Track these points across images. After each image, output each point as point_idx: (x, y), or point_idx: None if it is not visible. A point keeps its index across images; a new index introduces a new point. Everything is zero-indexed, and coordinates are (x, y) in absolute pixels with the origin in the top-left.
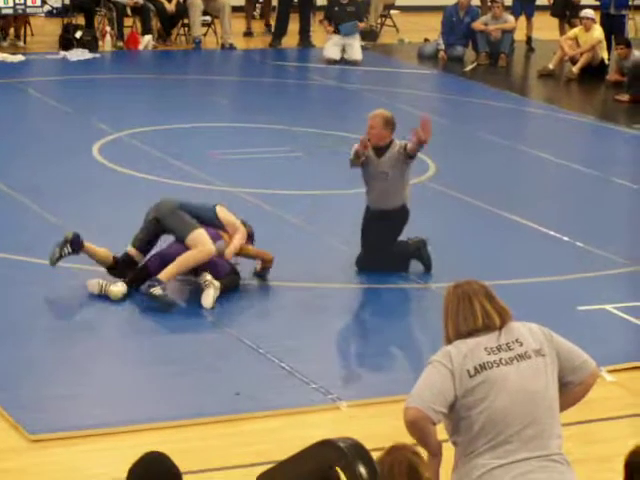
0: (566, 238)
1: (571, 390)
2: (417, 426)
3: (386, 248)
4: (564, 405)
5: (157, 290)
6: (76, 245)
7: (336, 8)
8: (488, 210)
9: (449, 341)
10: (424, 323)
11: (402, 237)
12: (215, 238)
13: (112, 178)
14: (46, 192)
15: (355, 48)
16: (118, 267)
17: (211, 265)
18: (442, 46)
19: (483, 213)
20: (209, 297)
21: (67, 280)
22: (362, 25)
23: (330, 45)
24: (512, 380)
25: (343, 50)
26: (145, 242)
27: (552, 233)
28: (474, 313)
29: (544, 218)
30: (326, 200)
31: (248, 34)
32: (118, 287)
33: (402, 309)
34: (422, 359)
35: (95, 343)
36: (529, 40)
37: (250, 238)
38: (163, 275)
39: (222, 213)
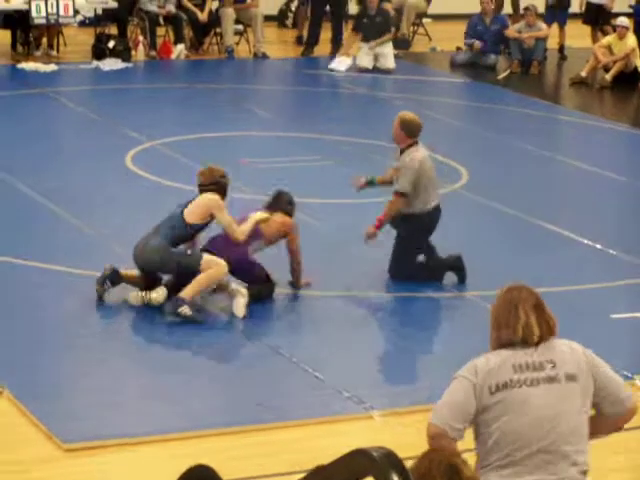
0: (599, 246)
1: (605, 421)
2: (436, 443)
3: (412, 255)
4: (596, 433)
5: (186, 310)
6: (114, 278)
7: (365, 20)
8: (520, 218)
9: (492, 347)
10: (456, 332)
11: (440, 252)
12: (254, 237)
13: (145, 186)
14: (79, 200)
15: (388, 57)
16: (150, 284)
17: (246, 271)
18: (473, 41)
19: (516, 221)
20: (240, 306)
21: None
22: (390, 35)
23: (362, 54)
24: (532, 403)
25: (376, 59)
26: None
27: (585, 241)
28: (516, 324)
29: (577, 226)
30: (358, 208)
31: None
32: (159, 293)
33: (434, 318)
34: (454, 368)
35: (127, 352)
36: (562, 48)
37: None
38: (185, 294)
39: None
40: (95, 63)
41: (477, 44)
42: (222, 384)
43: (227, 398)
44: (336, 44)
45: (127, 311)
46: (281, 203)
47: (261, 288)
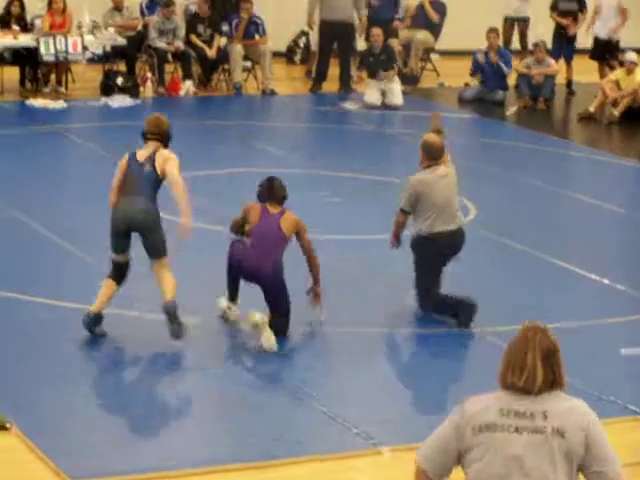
0: (606, 281)
1: None
2: None
3: (420, 278)
4: None
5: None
6: (97, 321)
7: (370, 59)
8: (529, 253)
9: (498, 382)
10: (467, 368)
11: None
12: (283, 241)
13: None
14: (89, 237)
15: (395, 93)
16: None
17: (279, 291)
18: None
19: (524, 256)
20: (270, 339)
21: (105, 325)
22: (393, 72)
23: (370, 90)
24: (512, 450)
25: (384, 95)
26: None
27: (594, 276)
28: (522, 368)
29: (585, 261)
30: (366, 244)
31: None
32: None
33: (444, 354)
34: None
35: (134, 387)
36: (569, 83)
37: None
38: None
39: None
40: (104, 100)
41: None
42: (233, 420)
43: (239, 434)
44: (344, 80)
45: (134, 346)
46: (276, 192)
47: (281, 322)
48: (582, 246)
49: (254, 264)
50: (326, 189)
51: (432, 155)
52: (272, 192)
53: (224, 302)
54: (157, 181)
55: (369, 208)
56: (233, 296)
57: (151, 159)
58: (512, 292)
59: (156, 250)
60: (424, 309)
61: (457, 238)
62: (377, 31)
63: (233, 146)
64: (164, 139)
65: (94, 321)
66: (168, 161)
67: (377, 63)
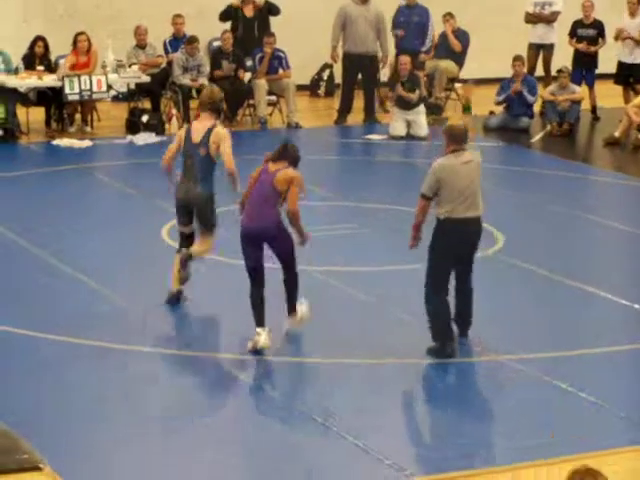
0: (637, 306)
1: None
2: None
3: (431, 264)
4: None
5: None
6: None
7: (396, 86)
8: (558, 281)
9: None
10: (493, 397)
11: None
12: (279, 198)
13: None
14: (116, 275)
15: (420, 124)
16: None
17: (285, 237)
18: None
19: (553, 284)
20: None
21: (135, 365)
22: (414, 95)
23: (395, 121)
24: None
25: (409, 125)
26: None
27: (623, 301)
28: None
29: (614, 287)
30: (394, 276)
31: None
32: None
33: (471, 383)
34: (493, 433)
35: (161, 424)
36: (594, 109)
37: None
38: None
39: None
40: (129, 137)
41: (515, 87)
42: (259, 456)
43: (264, 469)
44: (369, 112)
45: (145, 385)
46: (289, 152)
47: (292, 277)
48: (611, 271)
49: (256, 227)
50: (353, 221)
51: (455, 139)
52: (284, 153)
53: (262, 335)
54: (211, 164)
55: (397, 240)
56: (260, 321)
57: (205, 138)
58: (540, 319)
59: (205, 223)
60: (426, 304)
61: (476, 226)
62: (405, 59)
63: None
64: (217, 109)
65: (177, 298)
66: (223, 141)
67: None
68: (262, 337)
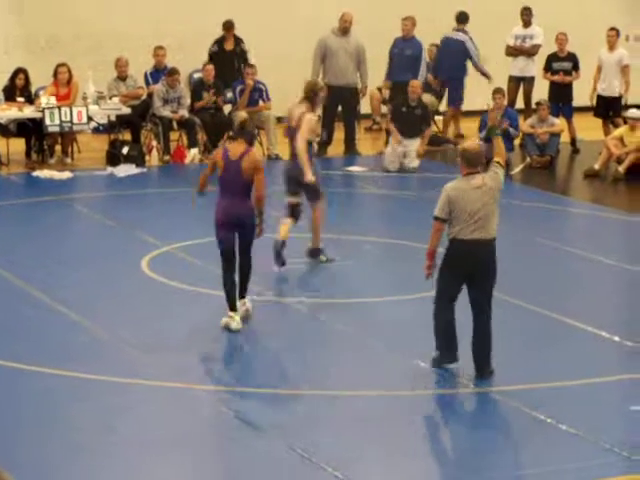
0: (617, 338)
1: None
2: None
3: (438, 281)
4: None
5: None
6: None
7: (403, 109)
8: (538, 312)
9: None
10: (477, 430)
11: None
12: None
13: (161, 291)
14: (95, 306)
15: (413, 154)
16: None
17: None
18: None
19: (533, 315)
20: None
21: (113, 396)
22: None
23: (391, 155)
24: None
25: (404, 156)
26: None
27: (603, 333)
28: None
29: (595, 319)
30: (379, 307)
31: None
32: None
33: (453, 414)
34: (471, 466)
35: (135, 456)
36: (573, 141)
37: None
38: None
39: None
40: (109, 169)
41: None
42: None
43: None
44: (349, 143)
45: (135, 412)
46: (245, 131)
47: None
48: (592, 304)
49: (236, 212)
50: (337, 253)
51: (469, 162)
52: (241, 131)
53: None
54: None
55: (382, 271)
56: (233, 306)
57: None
58: (523, 351)
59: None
60: (434, 318)
61: (485, 248)
62: (416, 83)
63: None
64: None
65: (282, 245)
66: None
67: (412, 117)
68: (235, 321)
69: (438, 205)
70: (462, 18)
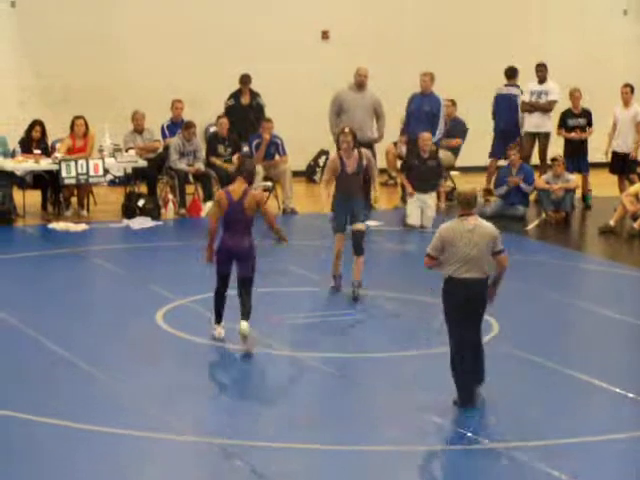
0: (631, 395)
1: None
2: None
3: (446, 320)
4: None
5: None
6: None
7: (416, 162)
8: (552, 368)
9: None
10: None
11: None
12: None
13: (176, 344)
14: (109, 359)
15: (429, 212)
16: None
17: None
18: (502, 189)
19: (547, 371)
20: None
21: (127, 448)
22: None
23: (412, 210)
24: None
25: (422, 212)
26: None
27: (617, 390)
28: None
29: (608, 375)
30: (391, 362)
31: None
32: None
33: (466, 471)
34: None
35: None
36: (584, 197)
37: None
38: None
39: None
40: (125, 222)
41: (512, 180)
42: None
43: None
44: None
45: (146, 465)
46: (244, 168)
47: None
48: (606, 360)
49: (236, 246)
50: (350, 307)
51: (463, 205)
52: (241, 167)
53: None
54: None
55: (396, 327)
56: (219, 318)
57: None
58: (535, 407)
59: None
60: (451, 365)
61: (478, 286)
62: (427, 135)
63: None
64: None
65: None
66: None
67: (426, 169)
68: (219, 330)
69: (432, 243)
70: (511, 73)
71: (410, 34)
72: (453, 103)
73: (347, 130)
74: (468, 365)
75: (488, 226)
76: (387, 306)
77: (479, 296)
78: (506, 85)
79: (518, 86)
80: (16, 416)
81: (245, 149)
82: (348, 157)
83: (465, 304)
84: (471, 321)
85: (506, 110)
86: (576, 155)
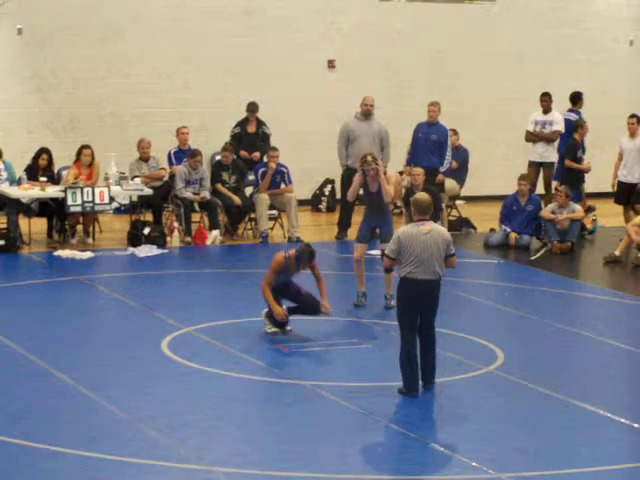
0: (637, 425)
1: None
2: None
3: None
4: None
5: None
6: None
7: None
8: (557, 398)
9: None
10: None
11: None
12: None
13: (181, 372)
14: (114, 386)
15: None
16: None
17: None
18: (509, 230)
19: (552, 401)
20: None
21: (132, 477)
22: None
23: None
24: None
25: None
26: None
27: (622, 420)
28: None
29: (614, 405)
30: (392, 390)
31: None
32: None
33: None
34: None
35: None
36: (583, 226)
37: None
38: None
39: None
40: (131, 249)
41: (513, 237)
42: None
43: None
44: None
45: None
46: (302, 258)
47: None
48: (612, 390)
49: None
50: (356, 336)
51: (419, 210)
52: (299, 257)
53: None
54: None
55: (393, 355)
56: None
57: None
58: (539, 437)
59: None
60: (399, 355)
61: (430, 287)
62: (418, 170)
63: (260, 294)
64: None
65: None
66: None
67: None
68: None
69: (389, 245)
70: (575, 99)
71: (415, 63)
72: (455, 132)
73: (370, 159)
74: (416, 363)
75: (442, 231)
76: (391, 334)
77: (431, 295)
78: (569, 110)
79: (579, 112)
80: (19, 443)
81: (251, 177)
82: (373, 180)
83: (418, 303)
84: (424, 319)
85: (569, 135)
86: (577, 183)
